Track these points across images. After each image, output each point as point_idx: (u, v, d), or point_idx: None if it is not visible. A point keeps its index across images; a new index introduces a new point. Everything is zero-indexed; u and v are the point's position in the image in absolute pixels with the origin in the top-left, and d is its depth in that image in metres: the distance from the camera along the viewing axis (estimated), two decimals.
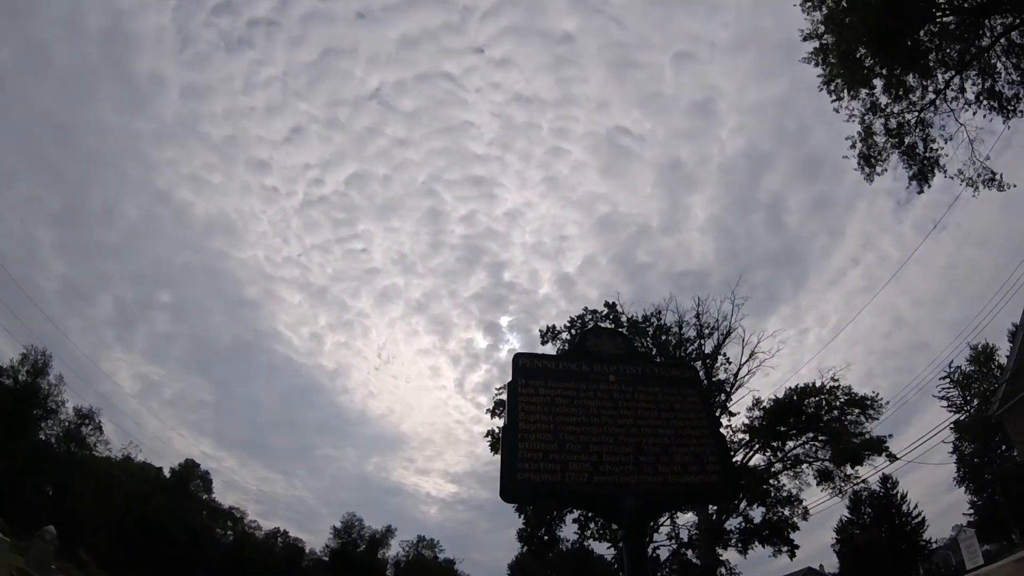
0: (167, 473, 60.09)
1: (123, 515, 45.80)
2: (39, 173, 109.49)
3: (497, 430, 26.29)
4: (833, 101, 14.32)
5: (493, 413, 27.59)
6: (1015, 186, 13.64)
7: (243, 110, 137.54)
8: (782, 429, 25.96)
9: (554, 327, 28.35)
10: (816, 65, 14.38)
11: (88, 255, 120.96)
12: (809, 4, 14.05)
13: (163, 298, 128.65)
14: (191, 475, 62.78)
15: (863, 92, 13.95)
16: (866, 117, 14.31)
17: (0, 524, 23.71)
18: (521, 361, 3.94)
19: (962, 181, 14.07)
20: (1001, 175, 13.62)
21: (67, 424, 45.92)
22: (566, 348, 25.70)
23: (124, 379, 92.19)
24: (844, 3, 13.39)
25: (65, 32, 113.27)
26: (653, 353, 25.46)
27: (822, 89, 14.30)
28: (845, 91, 14.04)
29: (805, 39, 14.42)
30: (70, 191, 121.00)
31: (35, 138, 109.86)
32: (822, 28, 14.04)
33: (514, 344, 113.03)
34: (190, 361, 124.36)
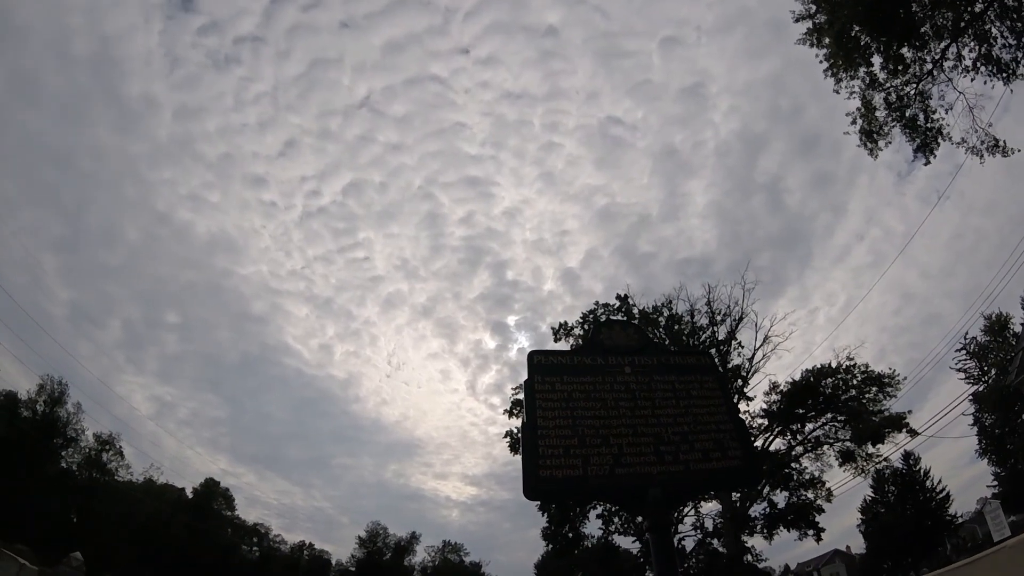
0: (189, 493, 60.48)
1: (148, 538, 46.14)
2: (38, 199, 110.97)
3: (515, 430, 26.30)
4: (834, 85, 14.24)
5: (510, 413, 27.63)
6: (1020, 150, 13.52)
7: (236, 127, 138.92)
8: (801, 412, 25.85)
9: (566, 323, 28.41)
10: (811, 46, 14.29)
11: (93, 279, 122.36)
12: None
13: (170, 318, 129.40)
14: (213, 493, 63.13)
15: (862, 71, 13.85)
16: (866, 93, 14.22)
17: (26, 552, 23.94)
18: (536, 358, 3.95)
19: (967, 150, 13.95)
20: (1005, 141, 13.50)
21: (88, 451, 46.37)
22: (580, 343, 25.70)
23: (139, 401, 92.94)
24: None
25: (55, 59, 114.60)
26: (667, 343, 25.42)
27: (826, 76, 14.19)
28: (844, 72, 13.95)
29: (797, 20, 14.33)
30: (70, 216, 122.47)
31: (32, 165, 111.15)
32: (814, 8, 13.96)
33: (523, 343, 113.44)
34: (201, 379, 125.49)
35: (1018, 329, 36.48)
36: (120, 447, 48.53)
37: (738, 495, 25.32)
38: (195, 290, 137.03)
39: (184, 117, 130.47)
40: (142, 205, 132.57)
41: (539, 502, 22.00)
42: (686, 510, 27.31)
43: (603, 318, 26.62)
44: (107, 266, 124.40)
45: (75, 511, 43.69)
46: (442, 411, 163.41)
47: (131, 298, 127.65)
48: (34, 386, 43.08)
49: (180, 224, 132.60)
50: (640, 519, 25.89)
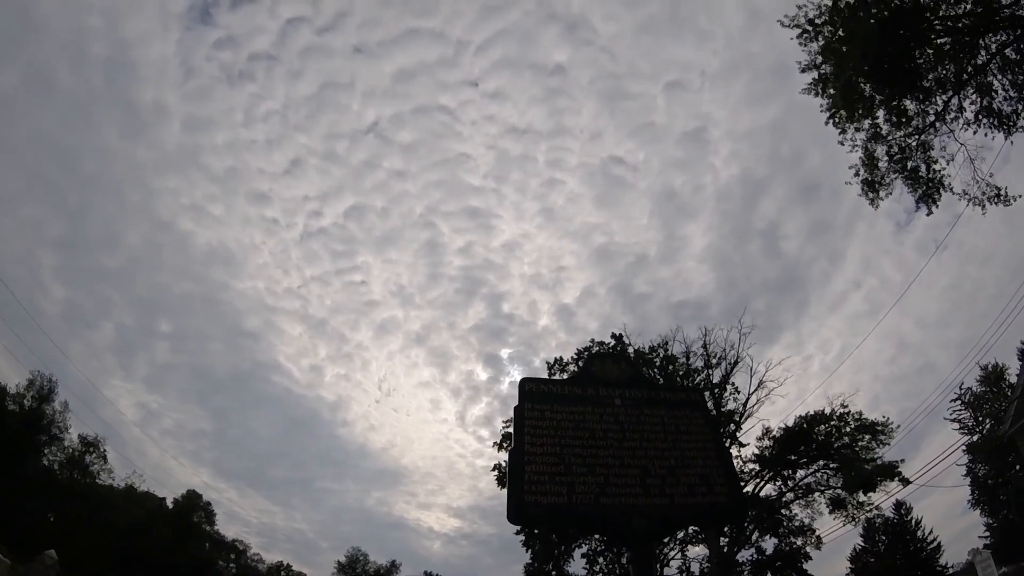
0: (170, 503, 59.55)
1: (125, 545, 45.29)
2: (42, 196, 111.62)
3: (504, 464, 26.04)
4: (838, 136, 14.50)
5: (499, 446, 27.31)
6: (1021, 197, 13.73)
7: (244, 142, 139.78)
8: (793, 458, 25.67)
9: (561, 358, 28.31)
10: (816, 96, 14.58)
11: (90, 280, 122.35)
12: (806, 35, 14.29)
13: (164, 326, 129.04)
14: (194, 506, 62.11)
15: (866, 123, 14.14)
16: (868, 145, 14.47)
17: (0, 548, 23.54)
18: (528, 386, 4.00)
19: (968, 201, 14.16)
20: (1006, 189, 13.72)
21: (71, 451, 45.84)
22: (573, 375, 25.66)
23: (125, 407, 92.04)
24: (841, 33, 13.66)
25: (70, 58, 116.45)
26: (661, 383, 25.40)
27: (827, 123, 14.45)
28: (847, 123, 14.23)
29: (803, 70, 14.63)
30: (72, 215, 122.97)
31: (38, 161, 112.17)
32: (820, 59, 14.28)
33: (515, 376, 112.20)
34: (189, 390, 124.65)
35: (1014, 380, 36.41)
36: (104, 450, 48.05)
37: (726, 540, 25.00)
38: (190, 300, 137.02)
39: (193, 128, 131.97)
40: (144, 211, 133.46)
41: (522, 527, 21.73)
42: (672, 552, 26.93)
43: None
44: (105, 268, 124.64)
45: (53, 512, 43.00)
46: (430, 440, 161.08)
47: (126, 302, 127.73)
48: (23, 380, 42.93)
49: (181, 233, 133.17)
50: (625, 560, 25.50)
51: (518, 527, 23.43)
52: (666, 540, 25.75)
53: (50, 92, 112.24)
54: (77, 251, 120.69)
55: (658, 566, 25.82)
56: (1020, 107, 13.48)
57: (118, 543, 44.57)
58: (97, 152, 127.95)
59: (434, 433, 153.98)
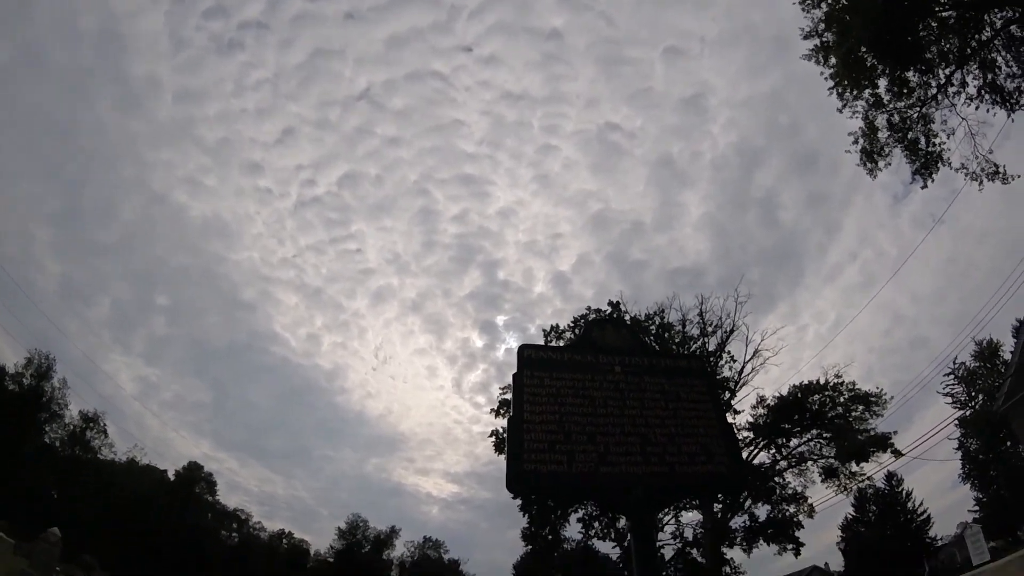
0: (171, 475, 60.23)
1: (128, 518, 45.88)
2: (37, 171, 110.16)
3: (501, 430, 26.26)
4: (838, 103, 14.29)
5: (497, 413, 27.55)
6: (1020, 176, 13.62)
7: (235, 112, 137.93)
8: (787, 427, 25.95)
9: (557, 325, 28.38)
10: (817, 63, 14.35)
11: (86, 255, 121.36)
12: (808, 2, 14.02)
13: (160, 300, 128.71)
14: (195, 477, 62.89)
15: (867, 92, 13.93)
16: (869, 113, 14.29)
17: (3, 526, 23.72)
18: (527, 352, 3.96)
19: (966, 175, 14.05)
20: (1005, 167, 13.60)
21: (72, 427, 46.10)
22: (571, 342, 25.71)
23: (124, 381, 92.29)
24: (844, 2, 13.38)
25: (62, 33, 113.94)
26: (661, 351, 25.48)
27: (830, 92, 14.24)
28: (849, 92, 14.01)
29: (805, 37, 14.39)
30: (68, 190, 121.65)
31: (33, 136, 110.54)
32: (823, 26, 14.01)
33: (511, 343, 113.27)
34: (187, 362, 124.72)
35: (1008, 356, 36.72)
36: (104, 425, 48.33)
37: (719, 506, 25.40)
38: (187, 273, 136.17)
39: (185, 100, 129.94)
40: (139, 185, 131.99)
41: (521, 496, 22.01)
42: (667, 518, 27.37)
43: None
44: (100, 243, 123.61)
45: (56, 487, 43.40)
46: (426, 407, 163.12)
47: (122, 277, 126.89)
48: (21, 359, 42.90)
49: (175, 206, 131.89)
50: (621, 524, 25.92)
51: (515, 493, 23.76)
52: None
53: (43, 67, 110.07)
54: (72, 226, 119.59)
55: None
56: (1023, 84, 13.30)
57: (121, 517, 45.12)
58: (91, 126, 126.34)
59: (431, 400, 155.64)
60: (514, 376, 3.84)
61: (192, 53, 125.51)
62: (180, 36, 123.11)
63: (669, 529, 27.72)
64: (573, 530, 28.92)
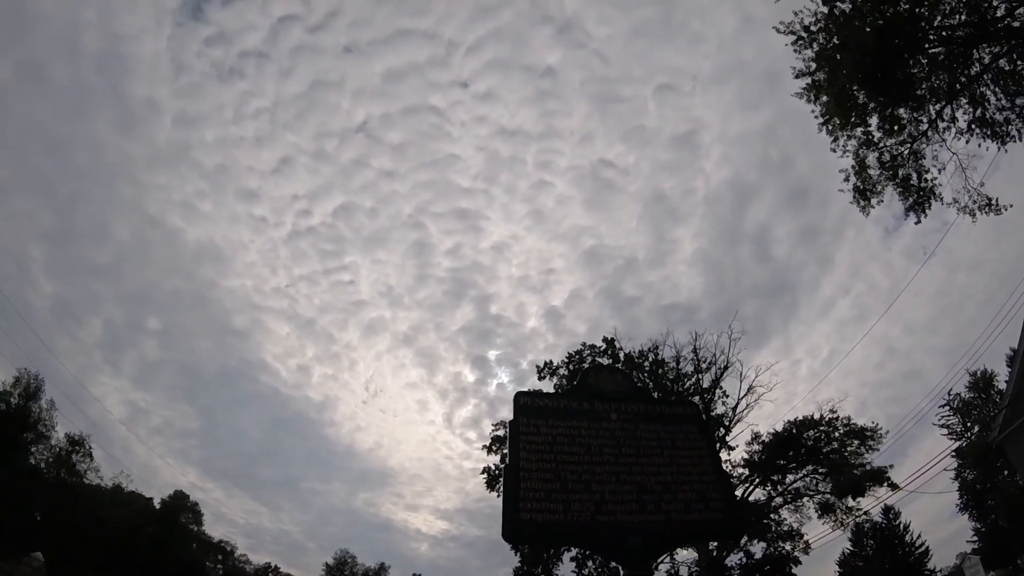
0: (157, 503, 59.02)
1: (112, 545, 44.80)
2: (33, 188, 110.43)
3: (492, 467, 25.96)
4: (830, 143, 14.53)
5: (489, 449, 27.05)
6: (1012, 206, 13.82)
7: (234, 139, 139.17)
8: (782, 463, 25.75)
9: (551, 362, 28.03)
10: (809, 102, 14.61)
11: (79, 274, 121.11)
12: (800, 42, 14.31)
13: (152, 323, 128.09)
14: (181, 506, 61.59)
15: (859, 130, 14.18)
16: (860, 151, 14.51)
17: None
18: (523, 400, 3.95)
19: (959, 209, 14.24)
20: (997, 199, 13.80)
21: (58, 450, 45.27)
22: (564, 384, 25.61)
23: (112, 404, 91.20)
24: (836, 41, 13.69)
25: (64, 51, 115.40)
26: (651, 388, 25.37)
27: (820, 130, 14.49)
28: (840, 130, 14.27)
29: (797, 76, 14.66)
30: (62, 208, 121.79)
31: (30, 153, 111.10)
32: (814, 65, 14.31)
33: (503, 378, 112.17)
34: (177, 388, 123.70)
35: (1003, 386, 36.74)
36: (90, 449, 47.46)
37: (715, 544, 25.02)
38: (179, 297, 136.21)
39: (184, 124, 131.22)
40: (134, 207, 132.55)
41: (517, 546, 21.58)
42: (661, 556, 26.92)
43: (589, 359, 26.48)
44: (94, 264, 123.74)
45: (40, 511, 42.45)
46: (417, 442, 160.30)
47: (115, 299, 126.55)
48: (9, 378, 42.39)
49: (170, 230, 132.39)
50: (616, 566, 25.42)
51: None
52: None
53: (43, 84, 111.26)
54: (66, 245, 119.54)
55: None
56: (1013, 117, 13.58)
57: (105, 543, 44.08)
58: (89, 145, 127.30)
59: (421, 434, 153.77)
60: (510, 423, 3.83)
61: (193, 78, 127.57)
62: (181, 61, 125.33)
63: (664, 568, 27.27)
64: (567, 569, 28.36)
